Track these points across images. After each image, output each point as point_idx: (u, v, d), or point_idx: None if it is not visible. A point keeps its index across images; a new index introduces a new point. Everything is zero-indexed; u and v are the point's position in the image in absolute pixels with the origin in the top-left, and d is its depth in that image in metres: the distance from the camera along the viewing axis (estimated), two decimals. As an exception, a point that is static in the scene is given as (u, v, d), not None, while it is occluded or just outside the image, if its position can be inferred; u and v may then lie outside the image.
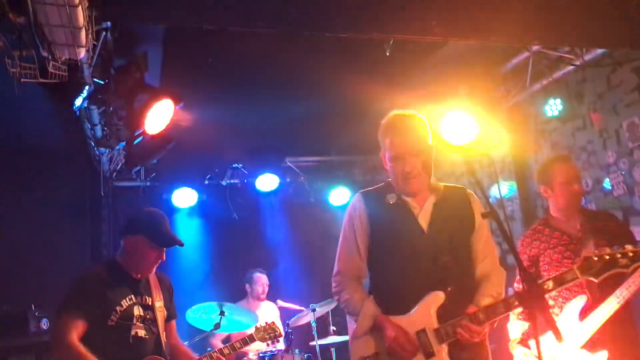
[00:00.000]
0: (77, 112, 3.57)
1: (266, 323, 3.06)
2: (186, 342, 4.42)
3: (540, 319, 1.91)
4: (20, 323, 4.25)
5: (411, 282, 2.32)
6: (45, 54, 2.42)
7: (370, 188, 2.58)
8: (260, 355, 4.66)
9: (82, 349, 2.37)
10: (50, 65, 2.47)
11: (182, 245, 2.69)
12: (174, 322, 2.88)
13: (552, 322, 1.93)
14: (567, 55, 4.14)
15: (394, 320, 2.30)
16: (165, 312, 2.74)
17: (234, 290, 5.82)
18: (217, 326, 4.55)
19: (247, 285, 5.71)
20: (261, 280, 5.70)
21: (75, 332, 2.40)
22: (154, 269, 2.70)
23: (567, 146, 4.44)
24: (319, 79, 4.55)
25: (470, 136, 4.81)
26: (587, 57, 4.04)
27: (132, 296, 2.59)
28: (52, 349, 2.56)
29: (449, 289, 2.26)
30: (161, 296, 2.72)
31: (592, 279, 2.30)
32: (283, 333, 4.43)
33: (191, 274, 5.98)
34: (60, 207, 5.20)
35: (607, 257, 2.31)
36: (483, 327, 2.22)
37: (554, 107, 4.35)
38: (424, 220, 2.38)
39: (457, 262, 2.33)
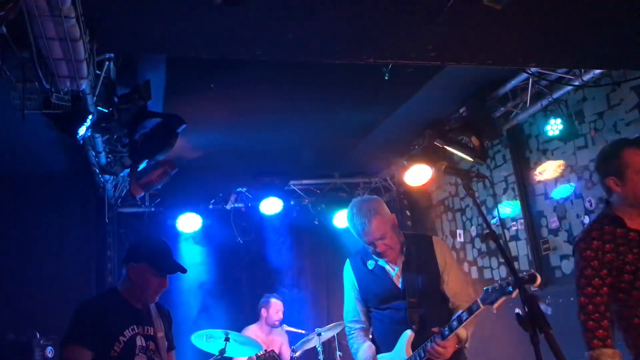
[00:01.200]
0: (81, 141, 3.60)
1: (265, 351, 3.05)
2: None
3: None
4: (25, 351, 4.25)
5: (393, 327, 2.92)
6: (48, 86, 2.47)
7: (354, 253, 3.21)
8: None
9: None
10: (54, 96, 2.51)
11: (185, 272, 2.70)
12: (173, 353, 2.86)
13: (556, 346, 1.92)
14: (566, 76, 4.17)
15: (382, 357, 2.94)
16: (167, 343, 2.73)
17: (240, 314, 5.82)
18: (222, 352, 4.55)
19: (263, 310, 5.68)
20: (277, 305, 5.68)
21: None
22: (157, 298, 2.70)
23: (568, 165, 4.44)
24: (320, 101, 4.60)
25: (472, 158, 4.85)
26: (586, 77, 4.06)
27: (135, 326, 2.58)
28: None
29: (414, 327, 2.85)
30: (162, 326, 2.72)
31: None
32: None
33: (196, 298, 5.98)
34: (65, 234, 5.23)
35: None
36: (449, 341, 2.70)
37: (554, 126, 4.36)
38: (397, 279, 2.96)
39: (425, 303, 2.89)
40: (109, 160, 4.67)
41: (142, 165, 4.19)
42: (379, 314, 3.01)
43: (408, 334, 2.86)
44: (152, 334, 2.64)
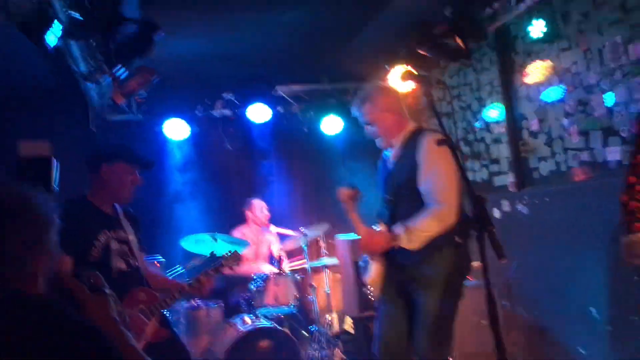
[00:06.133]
0: (54, 50, 3.57)
1: (229, 251, 3.20)
2: (180, 267, 4.68)
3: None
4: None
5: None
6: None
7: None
8: (254, 277, 4.91)
9: None
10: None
11: (153, 165, 2.80)
12: (144, 255, 2.99)
13: (497, 243, 2.03)
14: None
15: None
16: (138, 246, 2.86)
17: (230, 219, 6.01)
18: (212, 253, 4.77)
19: (247, 212, 5.91)
20: (260, 204, 5.89)
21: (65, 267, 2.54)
22: (131, 197, 2.80)
23: (552, 67, 4.40)
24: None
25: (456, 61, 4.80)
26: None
27: (107, 231, 2.70)
28: None
29: (380, 222, 2.91)
30: (132, 230, 2.84)
31: None
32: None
33: (185, 205, 6.16)
34: (54, 143, 5.28)
35: None
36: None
37: (537, 28, 4.27)
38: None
39: (397, 203, 2.87)
40: (89, 68, 4.64)
41: (121, 73, 4.17)
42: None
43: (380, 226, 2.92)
44: (124, 237, 2.77)
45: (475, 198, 2.13)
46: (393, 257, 2.83)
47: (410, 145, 2.86)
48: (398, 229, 2.75)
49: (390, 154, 3.00)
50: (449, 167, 2.66)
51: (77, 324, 1.12)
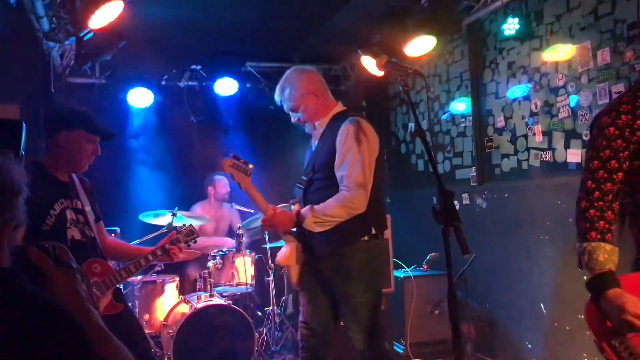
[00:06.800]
0: (17, 3, 3.39)
1: (184, 225, 3.13)
2: (137, 241, 4.58)
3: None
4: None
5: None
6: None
7: None
8: (212, 255, 4.85)
9: None
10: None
11: (115, 137, 2.70)
12: (101, 223, 2.90)
13: (462, 238, 2.05)
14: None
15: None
16: (94, 215, 2.77)
17: (192, 193, 5.91)
18: (169, 226, 4.69)
19: (209, 188, 5.83)
20: (223, 181, 5.83)
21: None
22: (87, 166, 2.70)
23: (522, 66, 4.46)
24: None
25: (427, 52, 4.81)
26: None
27: (63, 200, 2.59)
28: None
29: (293, 201, 2.91)
30: (87, 199, 2.75)
31: None
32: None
33: (146, 176, 6.02)
34: (10, 103, 5.06)
35: None
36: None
37: (511, 26, 4.31)
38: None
39: (313, 184, 2.83)
40: (52, 26, 4.44)
41: (86, 34, 4.00)
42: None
43: (292, 209, 2.89)
44: (80, 207, 2.67)
45: (443, 192, 2.15)
46: (310, 247, 2.82)
47: (334, 127, 2.81)
48: (305, 210, 2.74)
49: (314, 135, 2.97)
50: (365, 154, 2.68)
51: (40, 299, 1.07)
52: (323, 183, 2.78)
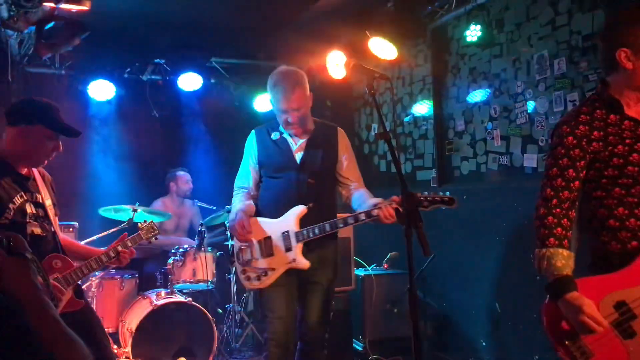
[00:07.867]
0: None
1: (145, 221, 3.13)
2: (97, 236, 4.50)
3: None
4: None
5: (285, 200, 3.04)
6: None
7: (262, 125, 3.27)
8: (172, 251, 4.81)
9: None
10: None
11: (78, 135, 2.62)
12: (57, 219, 2.84)
13: (424, 239, 2.12)
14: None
15: (263, 220, 3.05)
16: (54, 210, 2.72)
17: (152, 187, 5.84)
18: (129, 221, 4.61)
19: (171, 184, 5.77)
20: (185, 177, 5.79)
21: None
22: (46, 162, 2.63)
23: (483, 72, 4.59)
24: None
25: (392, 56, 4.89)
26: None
27: (23, 193, 2.53)
28: None
29: (310, 204, 2.98)
30: (48, 194, 2.69)
31: None
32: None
33: (106, 170, 5.91)
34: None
35: None
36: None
37: (473, 32, 4.43)
38: (297, 153, 3.09)
39: (320, 186, 3.07)
40: (11, 13, 4.31)
41: (46, 24, 3.91)
42: (271, 182, 3.13)
43: (300, 209, 2.98)
44: (40, 201, 2.61)
45: (406, 194, 2.21)
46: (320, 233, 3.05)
47: (327, 133, 3.18)
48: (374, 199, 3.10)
49: (292, 136, 3.12)
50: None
51: None
52: (326, 181, 3.14)
